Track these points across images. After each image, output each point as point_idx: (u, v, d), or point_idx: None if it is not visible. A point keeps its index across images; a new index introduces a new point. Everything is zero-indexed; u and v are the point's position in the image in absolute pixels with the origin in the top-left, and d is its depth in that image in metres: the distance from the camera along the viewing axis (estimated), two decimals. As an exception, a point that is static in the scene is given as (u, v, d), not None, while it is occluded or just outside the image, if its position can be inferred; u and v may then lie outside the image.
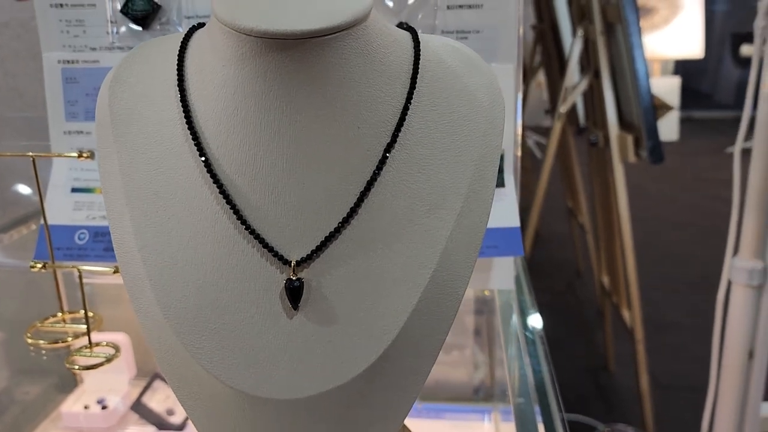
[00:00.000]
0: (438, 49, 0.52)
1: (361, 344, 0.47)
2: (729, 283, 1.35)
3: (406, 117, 0.48)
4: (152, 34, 0.88)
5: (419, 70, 0.50)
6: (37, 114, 1.29)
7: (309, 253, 0.47)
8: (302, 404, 0.47)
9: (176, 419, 1.10)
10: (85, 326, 0.82)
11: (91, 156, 0.77)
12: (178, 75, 0.49)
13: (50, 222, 0.88)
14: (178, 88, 0.49)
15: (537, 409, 0.68)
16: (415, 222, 0.48)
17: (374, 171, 0.47)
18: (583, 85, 2.37)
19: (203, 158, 0.47)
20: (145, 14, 0.86)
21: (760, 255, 1.29)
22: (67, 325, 0.84)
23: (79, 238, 0.90)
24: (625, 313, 2.29)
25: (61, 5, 0.89)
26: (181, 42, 0.51)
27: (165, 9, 0.87)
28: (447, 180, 0.49)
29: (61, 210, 0.91)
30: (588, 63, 2.38)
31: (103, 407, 1.07)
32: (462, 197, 0.49)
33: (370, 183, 0.47)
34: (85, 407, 1.07)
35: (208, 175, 0.47)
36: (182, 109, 0.48)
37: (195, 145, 0.48)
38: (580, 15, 2.41)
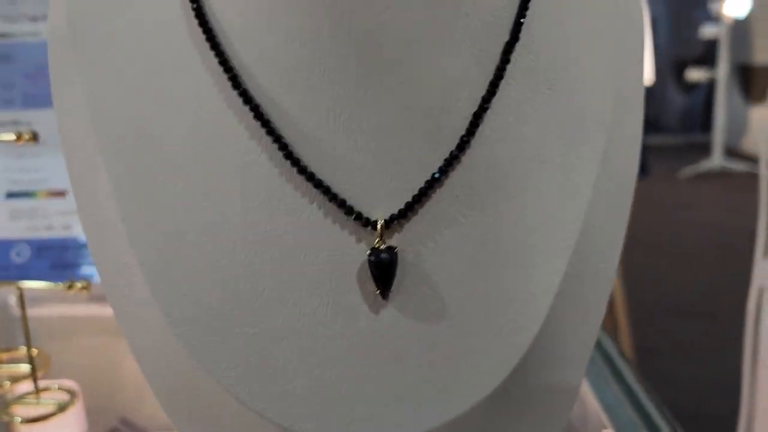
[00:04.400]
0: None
1: (486, 350, 0.30)
2: (760, 291, 1.23)
3: (528, 5, 0.32)
4: None
5: (538, -55, 0.34)
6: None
7: (402, 208, 0.30)
8: (397, 450, 0.30)
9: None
10: (25, 366, 0.62)
11: (34, 139, 0.58)
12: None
13: (-22, 236, 0.68)
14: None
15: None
16: (548, 162, 0.32)
17: (491, 81, 0.31)
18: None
19: (218, 55, 0.30)
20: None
21: (794, 256, 1.17)
22: (3, 366, 0.63)
23: (18, 255, 0.70)
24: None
25: (-8, -39, 0.71)
26: None
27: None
28: (584, 103, 0.33)
29: (-8, 221, 0.71)
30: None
31: (49, 473, 0.86)
32: (605, 129, 0.33)
33: (486, 100, 0.31)
34: (26, 474, 0.85)
35: (235, 91, 0.30)
36: None
37: (210, 45, 0.30)
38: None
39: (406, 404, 0.30)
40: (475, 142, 0.31)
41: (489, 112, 0.31)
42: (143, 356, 0.31)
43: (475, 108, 0.31)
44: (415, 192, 0.30)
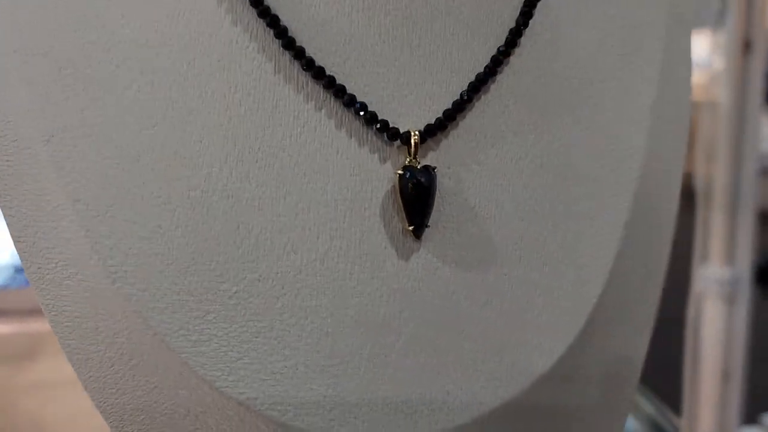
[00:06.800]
0: None
1: (549, 307, 0.23)
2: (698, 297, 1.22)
3: None
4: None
5: None
6: None
7: (440, 117, 0.22)
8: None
9: None
10: None
11: None
12: None
13: None
14: None
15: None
16: (607, 74, 0.25)
17: None
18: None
19: None
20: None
21: (730, 261, 1.17)
22: None
23: None
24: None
25: None
26: None
27: None
28: (638, 12, 0.27)
29: None
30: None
31: None
32: (662, 43, 0.27)
33: None
34: None
35: None
36: None
37: None
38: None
39: (449, 385, 0.22)
40: (526, 38, 0.24)
41: (540, 4, 0.24)
42: (73, 336, 0.22)
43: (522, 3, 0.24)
44: (456, 97, 0.22)
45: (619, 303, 0.25)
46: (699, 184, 1.20)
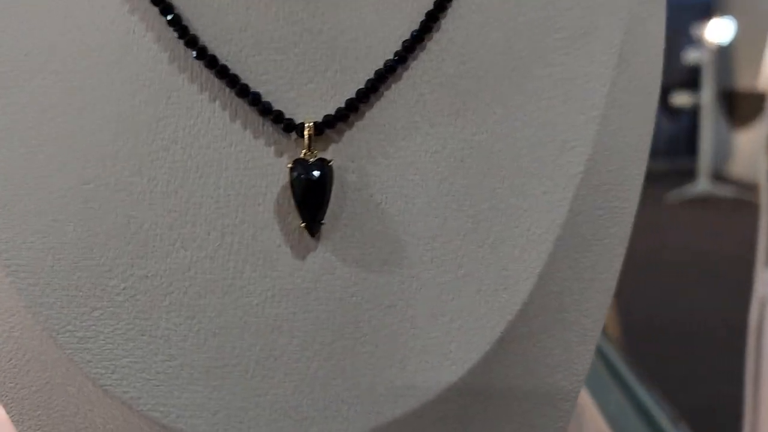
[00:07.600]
0: None
1: (462, 313, 0.21)
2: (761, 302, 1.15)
3: None
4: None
5: None
6: None
7: (342, 107, 0.21)
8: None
9: None
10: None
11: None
12: None
13: None
14: None
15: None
16: (549, 59, 0.23)
17: None
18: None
19: None
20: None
21: (798, 264, 1.09)
22: None
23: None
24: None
25: None
26: None
27: None
28: (592, -10, 0.25)
29: None
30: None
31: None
32: (621, 23, 0.25)
33: None
34: None
35: None
36: None
37: None
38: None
39: (345, 393, 0.20)
40: (448, 21, 0.22)
41: None
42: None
43: None
44: (361, 85, 0.21)
45: (552, 309, 0.22)
46: (762, 183, 1.13)
